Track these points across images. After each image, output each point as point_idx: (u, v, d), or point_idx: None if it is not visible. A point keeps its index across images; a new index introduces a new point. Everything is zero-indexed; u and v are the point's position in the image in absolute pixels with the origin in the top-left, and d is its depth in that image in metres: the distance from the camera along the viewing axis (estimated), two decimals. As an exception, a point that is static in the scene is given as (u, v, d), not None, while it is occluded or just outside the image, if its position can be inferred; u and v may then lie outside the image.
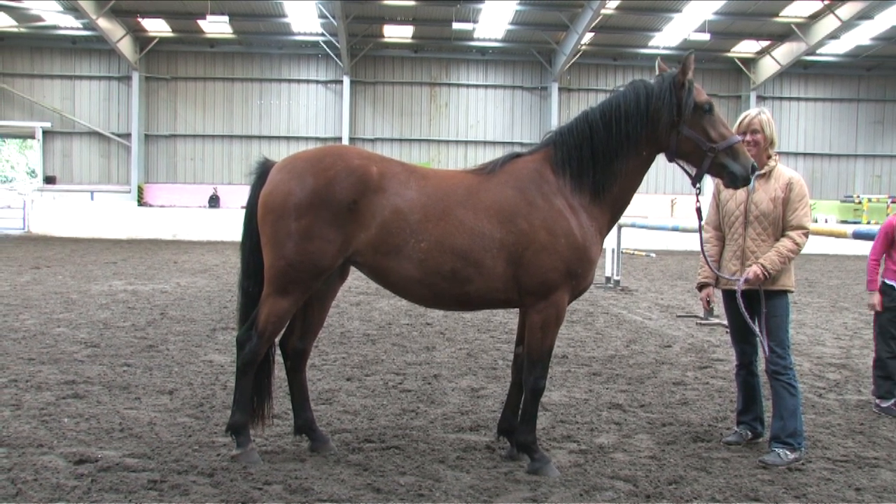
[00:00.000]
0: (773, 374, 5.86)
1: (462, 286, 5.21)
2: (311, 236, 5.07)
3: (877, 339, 7.50)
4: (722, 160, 5.30)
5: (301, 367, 5.71)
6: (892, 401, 7.21)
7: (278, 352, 5.67)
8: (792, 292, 6.01)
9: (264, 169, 5.45)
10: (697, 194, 5.67)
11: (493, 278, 5.20)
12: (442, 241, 5.13)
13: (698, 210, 5.85)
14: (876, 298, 7.40)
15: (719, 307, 7.38)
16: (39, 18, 36.26)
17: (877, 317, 7.50)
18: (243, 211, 5.52)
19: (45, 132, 39.20)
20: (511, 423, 5.70)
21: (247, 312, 5.44)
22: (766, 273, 5.74)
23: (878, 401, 7.30)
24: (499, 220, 5.20)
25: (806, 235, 5.86)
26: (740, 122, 6.05)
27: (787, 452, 5.69)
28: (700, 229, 6.04)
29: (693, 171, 5.50)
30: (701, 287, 6.33)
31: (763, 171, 6.01)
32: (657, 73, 5.50)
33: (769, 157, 6.04)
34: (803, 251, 6.15)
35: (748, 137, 5.95)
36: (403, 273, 5.17)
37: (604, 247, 7.46)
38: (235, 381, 5.43)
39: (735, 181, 5.35)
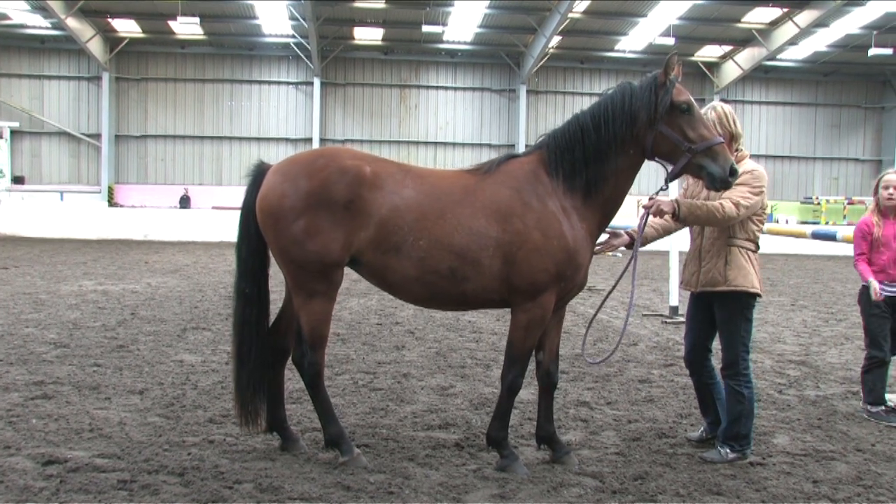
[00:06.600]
0: (724, 377, 5.87)
1: (459, 285, 5.23)
2: (312, 234, 5.10)
3: (866, 343, 7.27)
4: (700, 161, 5.19)
5: (281, 365, 5.75)
6: (882, 407, 7.04)
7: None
8: (752, 294, 5.77)
9: (259, 171, 5.47)
10: (660, 190, 5.63)
11: (489, 277, 5.22)
12: (441, 239, 5.16)
13: (646, 207, 5.58)
14: (875, 285, 7.04)
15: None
16: (6, 17, 35.84)
17: (865, 320, 7.25)
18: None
19: (14, 132, 38.80)
20: (547, 429, 5.69)
21: (243, 315, 5.50)
22: (676, 210, 5.47)
23: (868, 407, 7.11)
24: (496, 219, 5.22)
25: (735, 207, 5.48)
26: None
27: (728, 452, 5.71)
28: (643, 219, 5.65)
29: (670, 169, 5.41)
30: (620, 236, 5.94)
31: None
32: (671, 73, 5.29)
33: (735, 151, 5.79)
34: (763, 251, 6.13)
35: None
36: (403, 272, 5.20)
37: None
38: (311, 398, 5.51)
39: (714, 182, 5.20)
